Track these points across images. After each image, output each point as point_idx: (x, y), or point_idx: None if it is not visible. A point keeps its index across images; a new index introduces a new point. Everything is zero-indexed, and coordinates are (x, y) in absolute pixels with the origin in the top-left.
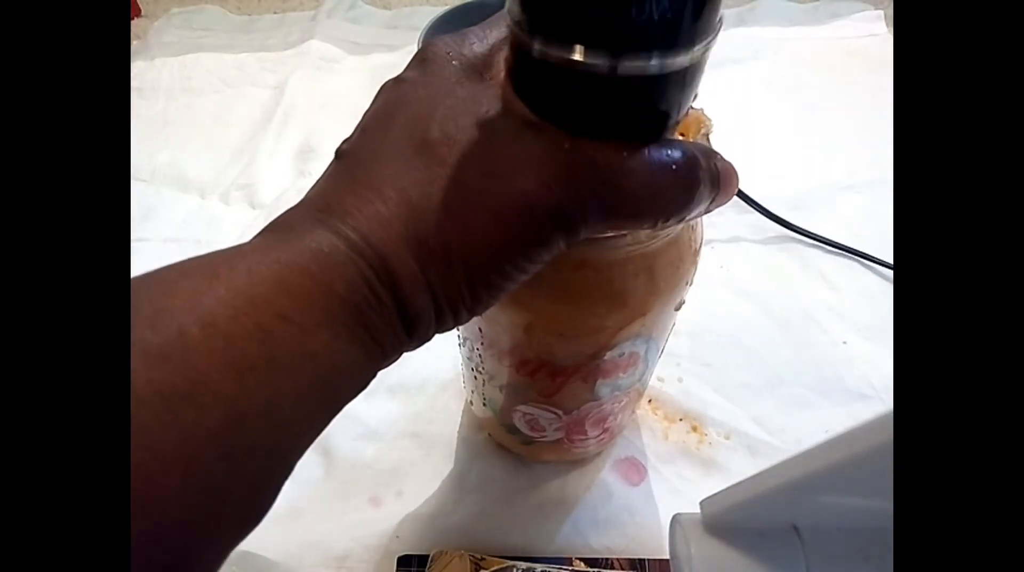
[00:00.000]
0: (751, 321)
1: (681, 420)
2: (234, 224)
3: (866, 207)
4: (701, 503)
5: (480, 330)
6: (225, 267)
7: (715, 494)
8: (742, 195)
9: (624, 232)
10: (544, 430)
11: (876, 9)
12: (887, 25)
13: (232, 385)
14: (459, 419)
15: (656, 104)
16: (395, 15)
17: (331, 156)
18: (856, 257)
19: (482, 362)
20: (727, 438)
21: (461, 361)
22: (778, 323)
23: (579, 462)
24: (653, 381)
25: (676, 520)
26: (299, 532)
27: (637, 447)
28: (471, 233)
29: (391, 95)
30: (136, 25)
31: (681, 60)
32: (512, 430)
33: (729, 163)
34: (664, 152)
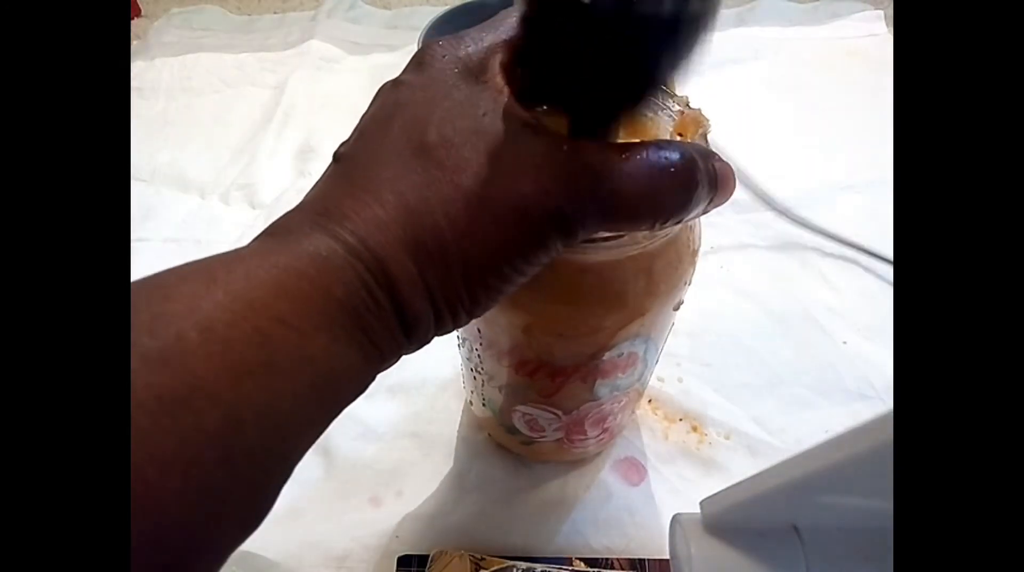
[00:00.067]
0: (751, 321)
1: (681, 420)
2: (234, 224)
3: (866, 207)
4: (701, 503)
5: (479, 331)
6: (223, 271)
7: (715, 494)
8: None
9: (622, 233)
10: (544, 430)
11: (876, 9)
12: (887, 25)
13: (230, 389)
14: (459, 419)
15: (661, 50)
16: (395, 15)
17: (331, 156)
18: (858, 252)
19: (481, 363)
20: (727, 438)
21: (461, 361)
22: (778, 323)
23: (579, 462)
24: (653, 381)
25: (676, 520)
26: (299, 532)
27: (637, 447)
28: (469, 236)
29: (388, 98)
30: (136, 25)
31: (694, 5)
32: (512, 430)
33: (727, 164)
34: (662, 154)
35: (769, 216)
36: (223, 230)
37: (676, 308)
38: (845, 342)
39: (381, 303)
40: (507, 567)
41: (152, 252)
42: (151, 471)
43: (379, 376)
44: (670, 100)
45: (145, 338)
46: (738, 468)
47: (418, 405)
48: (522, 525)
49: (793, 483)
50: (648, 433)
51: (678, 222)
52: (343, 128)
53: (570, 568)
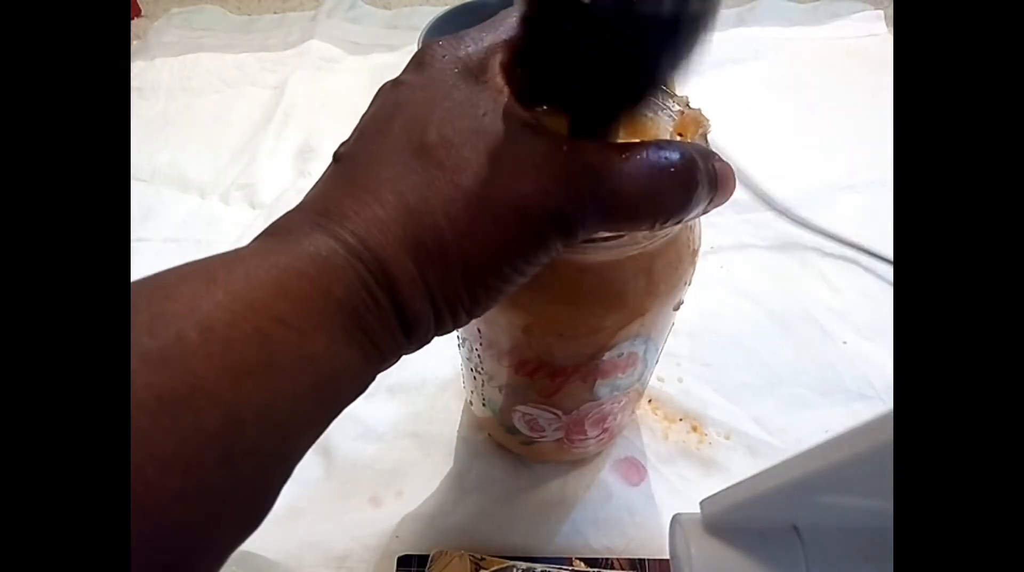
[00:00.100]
0: (751, 321)
1: (681, 420)
2: (234, 224)
3: (866, 207)
4: (701, 503)
5: (479, 331)
6: (223, 271)
7: (715, 494)
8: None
9: (622, 233)
10: (544, 430)
11: (876, 9)
12: (887, 25)
13: (230, 389)
14: (459, 419)
15: (661, 50)
16: (395, 15)
17: (331, 156)
18: (858, 252)
19: (481, 362)
20: (727, 438)
21: (461, 361)
22: (778, 323)
23: (579, 462)
24: (653, 381)
25: (676, 520)
26: (299, 532)
27: (637, 447)
28: (469, 236)
29: (388, 98)
30: (136, 25)
31: (694, 5)
32: (512, 430)
33: (727, 164)
34: (662, 154)
35: (769, 216)
36: (223, 230)
37: (676, 308)
38: (845, 342)
39: (381, 303)
40: (507, 567)
41: (152, 252)
42: (151, 471)
43: (379, 376)
44: (670, 100)
45: (145, 338)
46: (738, 468)
47: (418, 405)
48: (522, 525)
49: (793, 483)
50: (648, 433)
51: (678, 222)
52: (343, 128)
53: (570, 568)
